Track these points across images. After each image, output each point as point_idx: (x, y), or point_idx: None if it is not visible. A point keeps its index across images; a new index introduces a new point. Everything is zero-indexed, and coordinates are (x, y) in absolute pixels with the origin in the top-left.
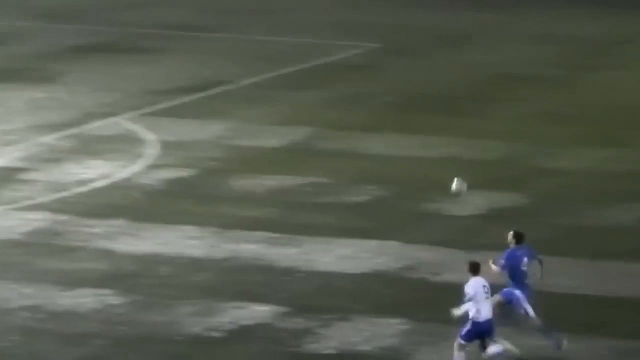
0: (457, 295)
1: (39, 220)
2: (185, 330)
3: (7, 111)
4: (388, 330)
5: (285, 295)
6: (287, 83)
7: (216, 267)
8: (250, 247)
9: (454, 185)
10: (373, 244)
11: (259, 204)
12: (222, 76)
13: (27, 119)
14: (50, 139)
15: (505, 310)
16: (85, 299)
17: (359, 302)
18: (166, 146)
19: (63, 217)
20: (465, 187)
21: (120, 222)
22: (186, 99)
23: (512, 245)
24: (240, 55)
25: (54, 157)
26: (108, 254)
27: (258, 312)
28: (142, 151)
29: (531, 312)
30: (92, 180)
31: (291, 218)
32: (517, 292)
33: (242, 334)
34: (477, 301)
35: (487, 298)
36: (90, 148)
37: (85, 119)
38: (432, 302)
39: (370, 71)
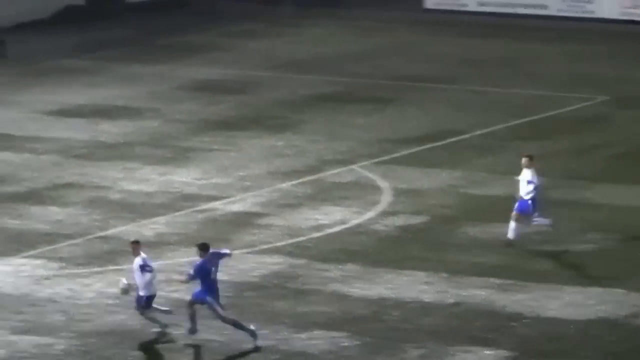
0: None
1: (274, 263)
2: None
3: (245, 158)
4: None
5: (512, 340)
6: (517, 134)
7: (445, 312)
8: (478, 293)
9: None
10: (598, 291)
11: (487, 251)
12: (452, 126)
13: (265, 165)
14: (287, 185)
15: (193, 309)
16: (317, 341)
17: (584, 347)
18: (398, 193)
19: (298, 261)
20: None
21: (352, 267)
22: (417, 148)
23: (200, 257)
24: (469, 106)
25: (291, 203)
26: (341, 297)
27: (485, 356)
28: (375, 198)
29: (222, 312)
30: (327, 226)
31: (518, 265)
32: (209, 298)
33: None
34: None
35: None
36: (325, 194)
37: (320, 166)
38: None
39: (599, 122)
